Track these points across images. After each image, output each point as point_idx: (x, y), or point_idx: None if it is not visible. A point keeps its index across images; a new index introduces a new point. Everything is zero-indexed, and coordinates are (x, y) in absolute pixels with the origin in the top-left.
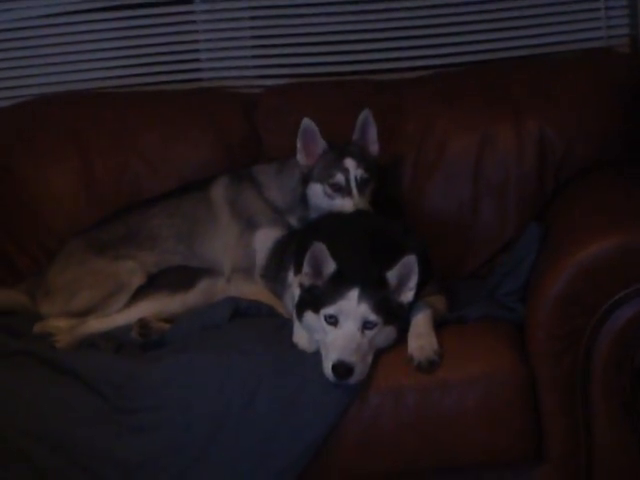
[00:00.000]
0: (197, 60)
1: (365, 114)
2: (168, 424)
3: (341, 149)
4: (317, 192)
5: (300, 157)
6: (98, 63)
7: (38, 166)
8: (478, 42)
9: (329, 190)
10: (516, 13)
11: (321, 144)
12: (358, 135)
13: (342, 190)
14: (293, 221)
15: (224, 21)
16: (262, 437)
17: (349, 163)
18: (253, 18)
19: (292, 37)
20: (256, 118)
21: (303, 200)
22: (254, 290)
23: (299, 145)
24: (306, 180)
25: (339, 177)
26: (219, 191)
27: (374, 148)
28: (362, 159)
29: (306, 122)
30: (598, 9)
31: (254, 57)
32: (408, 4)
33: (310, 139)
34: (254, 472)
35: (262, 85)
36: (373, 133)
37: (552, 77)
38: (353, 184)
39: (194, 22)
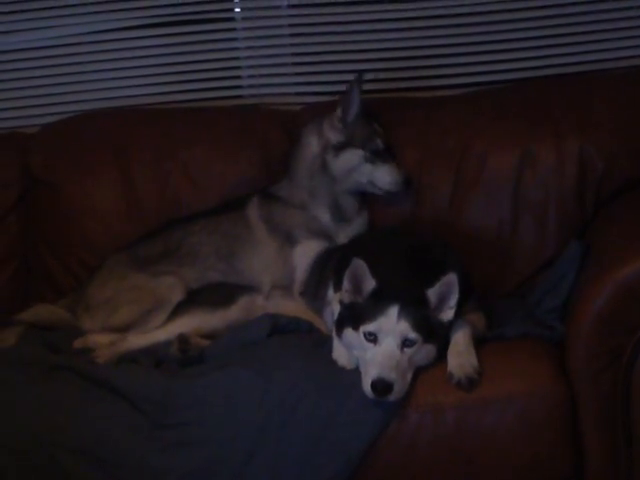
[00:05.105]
0: (238, 77)
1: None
2: (208, 440)
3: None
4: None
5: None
6: (140, 80)
7: (81, 182)
8: (521, 60)
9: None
10: (559, 31)
11: None
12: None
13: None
14: (322, 211)
15: (265, 38)
16: (301, 453)
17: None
18: (293, 35)
19: (332, 54)
20: (295, 135)
21: (323, 173)
22: (293, 307)
23: None
24: (338, 148)
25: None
26: (254, 210)
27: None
28: None
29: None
30: None
31: (294, 74)
32: (452, 22)
33: None
34: None
35: (302, 102)
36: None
37: (592, 95)
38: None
39: (235, 39)
